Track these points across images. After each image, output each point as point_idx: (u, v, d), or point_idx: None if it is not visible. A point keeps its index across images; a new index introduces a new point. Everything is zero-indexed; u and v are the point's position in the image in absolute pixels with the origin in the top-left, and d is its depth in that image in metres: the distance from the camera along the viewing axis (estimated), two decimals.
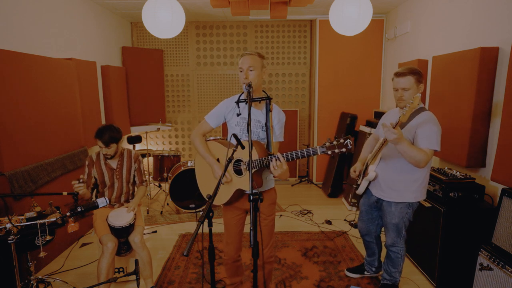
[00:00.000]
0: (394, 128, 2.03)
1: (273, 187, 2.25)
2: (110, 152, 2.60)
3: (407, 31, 4.25)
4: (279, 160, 1.84)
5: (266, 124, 2.04)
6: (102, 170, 2.67)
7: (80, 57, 3.95)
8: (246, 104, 2.04)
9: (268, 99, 2.01)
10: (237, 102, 1.99)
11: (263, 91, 2.11)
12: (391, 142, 2.10)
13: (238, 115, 2.01)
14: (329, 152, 1.75)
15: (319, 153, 1.78)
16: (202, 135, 2.21)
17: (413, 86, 2.18)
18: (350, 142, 1.72)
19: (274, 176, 1.88)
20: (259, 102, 2.11)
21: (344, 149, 1.73)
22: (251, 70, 2.00)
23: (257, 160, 1.94)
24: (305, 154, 1.83)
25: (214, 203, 2.17)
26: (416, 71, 2.19)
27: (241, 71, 2.03)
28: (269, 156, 1.89)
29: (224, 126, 4.96)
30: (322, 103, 5.31)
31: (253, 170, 1.96)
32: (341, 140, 1.73)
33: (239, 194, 2.13)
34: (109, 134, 2.54)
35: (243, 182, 2.04)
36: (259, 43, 5.71)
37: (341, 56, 5.16)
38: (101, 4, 4.51)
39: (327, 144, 1.76)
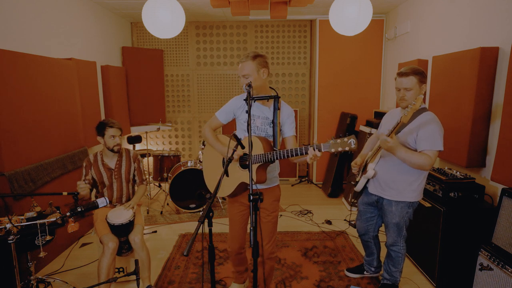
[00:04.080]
0: (389, 136, 2.05)
1: (278, 185, 2.30)
2: (120, 142, 2.66)
3: (407, 31, 4.25)
4: (315, 150, 1.81)
5: (273, 121, 2.09)
6: (100, 170, 2.67)
7: (80, 57, 3.95)
8: (255, 101, 2.14)
9: (277, 97, 2.06)
10: (246, 100, 2.04)
11: (271, 88, 2.21)
12: (387, 151, 2.13)
13: (247, 112, 2.05)
14: (332, 150, 1.77)
15: (322, 150, 1.79)
16: (212, 129, 2.30)
17: (416, 87, 2.18)
18: (353, 142, 1.73)
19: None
20: (267, 101, 2.17)
21: (347, 148, 1.74)
22: (246, 78, 2.09)
23: (262, 155, 1.97)
24: (310, 149, 1.83)
25: (219, 195, 2.24)
26: (419, 71, 2.19)
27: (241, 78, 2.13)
28: (302, 147, 1.88)
29: (224, 126, 4.96)
30: (322, 103, 5.31)
31: (258, 165, 2.01)
32: (345, 139, 1.75)
33: (243, 187, 2.17)
34: (116, 122, 2.66)
35: (247, 176, 2.07)
36: (259, 43, 5.71)
37: (341, 56, 5.16)
38: (101, 4, 4.51)
39: (331, 142, 1.77)
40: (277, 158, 1.95)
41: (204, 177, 2.41)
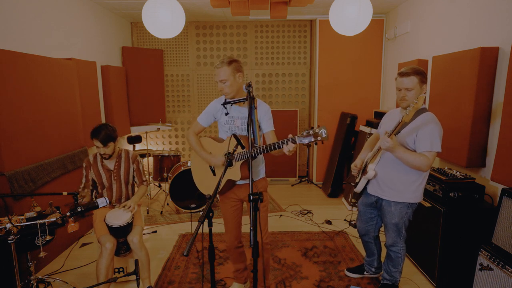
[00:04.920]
0: (389, 137, 2.07)
1: (264, 177, 2.42)
2: (108, 152, 2.58)
3: (407, 31, 4.25)
4: (288, 144, 1.95)
5: (252, 119, 2.16)
6: (99, 171, 2.66)
7: (80, 57, 3.95)
8: (232, 105, 2.30)
9: (252, 99, 2.15)
10: (223, 104, 2.24)
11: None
12: (386, 151, 2.15)
13: (227, 114, 2.27)
14: (306, 141, 1.88)
15: (297, 142, 1.91)
16: (195, 134, 2.43)
17: (416, 87, 2.18)
18: (324, 131, 1.85)
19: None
20: (244, 102, 2.28)
21: (319, 138, 1.86)
22: (224, 83, 2.19)
23: (243, 152, 2.14)
24: (286, 143, 1.96)
25: (207, 192, 2.38)
26: (420, 72, 2.19)
27: (218, 83, 2.25)
28: (280, 141, 2.01)
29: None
30: (322, 103, 5.31)
31: (241, 162, 2.17)
32: (316, 130, 1.87)
33: (230, 184, 2.30)
34: (105, 132, 2.53)
35: (233, 173, 2.22)
36: (259, 43, 5.71)
37: (341, 56, 5.16)
38: (101, 4, 4.51)
39: (304, 133, 1.89)
40: (258, 154, 2.10)
41: (194, 179, 2.53)
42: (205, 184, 2.44)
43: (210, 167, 2.38)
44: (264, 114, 2.29)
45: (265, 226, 2.36)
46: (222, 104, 2.23)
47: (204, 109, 2.44)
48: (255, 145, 2.14)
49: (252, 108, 2.16)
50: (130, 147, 5.26)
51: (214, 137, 2.42)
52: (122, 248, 2.64)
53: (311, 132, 1.87)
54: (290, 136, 1.94)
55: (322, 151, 5.42)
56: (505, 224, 2.13)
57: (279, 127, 2.39)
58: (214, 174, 2.36)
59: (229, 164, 2.21)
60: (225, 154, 1.91)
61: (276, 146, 2.00)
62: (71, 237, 3.39)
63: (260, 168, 2.38)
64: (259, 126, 2.27)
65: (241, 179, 2.21)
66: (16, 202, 2.67)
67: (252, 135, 2.20)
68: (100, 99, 4.44)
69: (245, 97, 2.18)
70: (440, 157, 3.26)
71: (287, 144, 1.94)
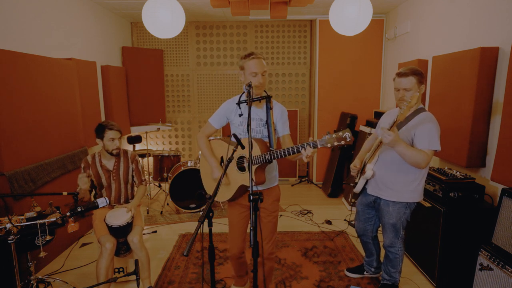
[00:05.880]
0: (389, 129, 2.05)
1: (277, 185, 2.30)
2: (119, 145, 2.62)
3: (407, 31, 4.25)
4: (306, 149, 1.83)
5: (267, 121, 2.09)
6: (98, 172, 2.66)
7: (80, 57, 3.95)
8: (247, 104, 2.10)
9: (268, 98, 2.06)
10: (238, 103, 2.08)
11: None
12: (387, 145, 2.12)
13: (240, 115, 2.10)
14: (329, 145, 1.77)
15: (318, 146, 1.79)
16: (206, 137, 2.30)
17: (415, 87, 2.19)
18: (348, 135, 1.73)
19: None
20: (259, 102, 2.16)
21: (343, 142, 1.74)
22: (263, 75, 2.06)
23: (259, 156, 1.98)
24: (306, 147, 1.84)
25: (219, 199, 2.26)
26: (418, 72, 2.19)
27: (254, 76, 2.05)
28: (299, 145, 1.87)
29: (224, 127, 4.97)
30: (322, 103, 5.31)
31: (256, 166, 2.01)
32: (340, 133, 1.75)
33: (243, 190, 2.17)
34: (114, 124, 2.61)
35: (246, 178, 2.08)
36: (259, 43, 5.71)
37: (341, 56, 5.16)
38: (101, 4, 4.51)
39: (326, 137, 1.78)
40: (274, 158, 1.96)
41: (202, 182, 2.40)
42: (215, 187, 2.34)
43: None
44: (281, 116, 2.18)
45: (273, 236, 2.24)
46: (236, 103, 2.08)
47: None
48: (271, 149, 2.03)
49: (268, 108, 2.07)
50: (130, 147, 5.26)
51: (224, 139, 2.31)
52: (122, 248, 2.64)
53: (334, 135, 1.75)
54: (310, 139, 1.81)
55: (322, 151, 5.41)
56: (505, 224, 2.13)
57: None
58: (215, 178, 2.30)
59: (241, 169, 2.11)
60: (228, 160, 1.79)
61: (295, 150, 1.85)
62: (71, 237, 3.39)
63: (274, 174, 2.26)
64: (275, 129, 2.15)
65: (255, 184, 2.03)
66: (16, 202, 2.67)
67: (267, 138, 2.11)
68: (100, 99, 4.44)
69: (263, 96, 2.09)
70: (440, 157, 3.26)
71: (305, 148, 1.79)
